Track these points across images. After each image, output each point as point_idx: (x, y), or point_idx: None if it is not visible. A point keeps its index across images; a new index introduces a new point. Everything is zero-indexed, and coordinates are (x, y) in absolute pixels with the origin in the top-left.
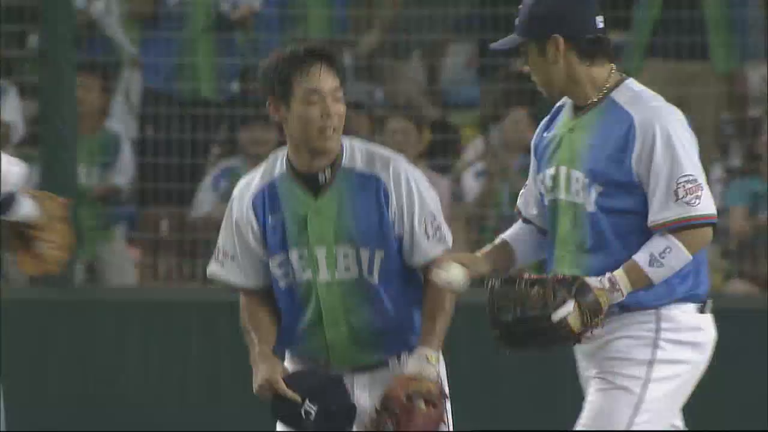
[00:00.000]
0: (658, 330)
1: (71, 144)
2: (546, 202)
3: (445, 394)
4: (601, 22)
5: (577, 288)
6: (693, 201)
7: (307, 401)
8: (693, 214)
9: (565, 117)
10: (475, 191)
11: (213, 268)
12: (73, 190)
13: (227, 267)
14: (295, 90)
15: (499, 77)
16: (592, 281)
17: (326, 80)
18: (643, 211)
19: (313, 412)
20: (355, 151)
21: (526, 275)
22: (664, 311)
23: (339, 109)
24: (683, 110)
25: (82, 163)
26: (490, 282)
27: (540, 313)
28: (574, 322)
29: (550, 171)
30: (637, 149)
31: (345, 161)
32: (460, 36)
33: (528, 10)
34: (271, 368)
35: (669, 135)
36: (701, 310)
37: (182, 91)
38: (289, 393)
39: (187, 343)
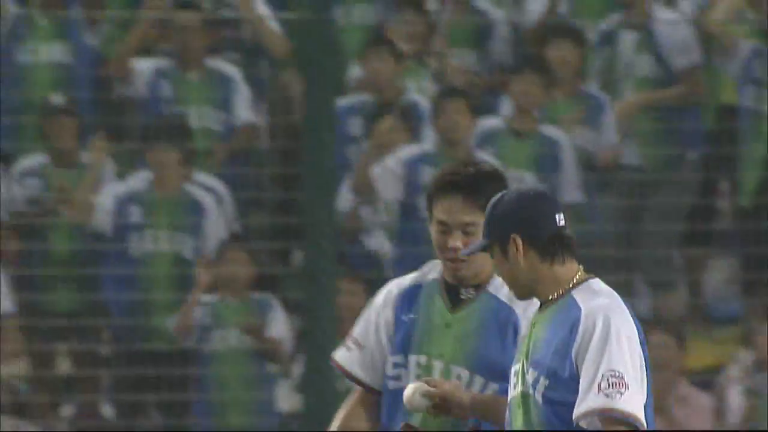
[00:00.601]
0: None
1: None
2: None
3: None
4: (561, 219)
5: None
6: (614, 395)
7: None
8: (614, 406)
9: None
10: (740, 408)
11: (339, 355)
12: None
13: (353, 356)
14: (434, 213)
15: (762, 292)
16: None
17: (460, 215)
18: None
19: None
20: (503, 283)
21: None
22: None
23: (470, 242)
24: None
25: None
26: None
27: None
28: None
29: (516, 367)
30: (577, 342)
31: (491, 287)
32: (721, 251)
33: (490, 212)
34: None
35: (608, 330)
36: None
37: None
38: None
39: None
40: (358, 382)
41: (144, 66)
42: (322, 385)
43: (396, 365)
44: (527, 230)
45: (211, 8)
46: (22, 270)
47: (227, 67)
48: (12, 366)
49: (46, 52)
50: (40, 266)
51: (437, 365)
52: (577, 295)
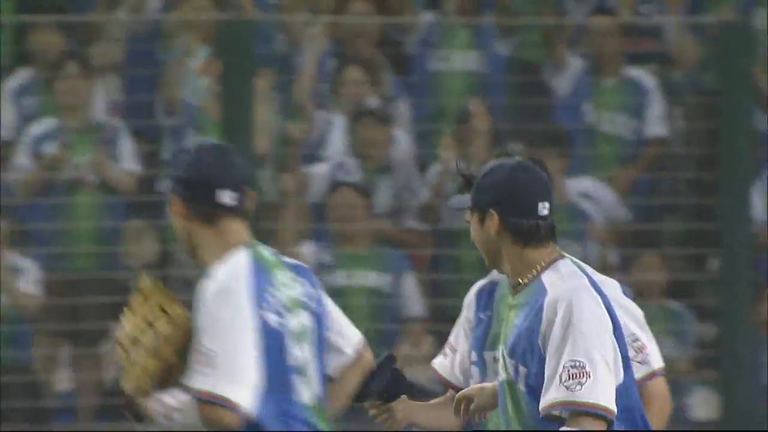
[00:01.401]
0: None
1: (749, 367)
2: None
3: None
4: (545, 208)
5: None
6: (574, 387)
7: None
8: (574, 399)
9: (507, 294)
10: None
11: (436, 361)
12: None
13: (447, 362)
14: None
15: None
16: None
17: None
18: None
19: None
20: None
21: None
22: None
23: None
24: None
25: None
26: None
27: None
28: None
29: (498, 350)
30: (541, 331)
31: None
32: None
33: (481, 177)
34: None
35: (570, 317)
36: None
37: None
38: None
39: None
40: (452, 387)
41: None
42: (740, 391)
43: (474, 363)
44: (507, 210)
45: (628, 14)
46: (434, 275)
47: (643, 76)
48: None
49: (461, 60)
50: (450, 272)
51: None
52: (546, 278)
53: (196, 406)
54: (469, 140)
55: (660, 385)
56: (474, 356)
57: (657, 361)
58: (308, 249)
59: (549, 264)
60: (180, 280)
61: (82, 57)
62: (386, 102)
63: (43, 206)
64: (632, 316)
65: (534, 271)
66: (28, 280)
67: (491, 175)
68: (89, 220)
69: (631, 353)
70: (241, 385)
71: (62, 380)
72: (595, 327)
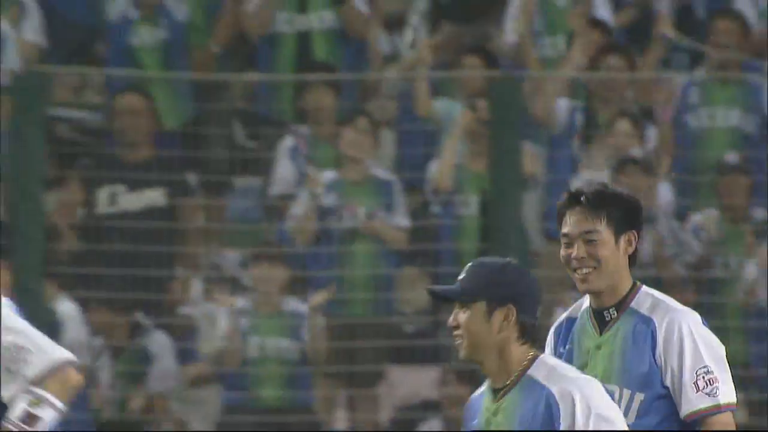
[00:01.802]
0: None
1: None
2: None
3: None
4: (538, 312)
5: None
6: None
7: None
8: None
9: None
10: None
11: None
12: None
13: None
14: (561, 230)
15: None
16: None
17: (576, 225)
18: None
19: None
20: (646, 297)
21: None
22: None
23: (591, 251)
24: None
25: None
26: None
27: None
28: None
29: None
30: (563, 420)
31: (633, 303)
32: None
33: (489, 272)
34: None
35: (588, 410)
36: None
37: None
38: None
39: None
40: None
41: None
42: None
43: None
44: (524, 308)
45: None
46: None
47: None
48: None
49: (723, 117)
50: (716, 319)
51: None
52: (536, 374)
53: None
54: (728, 192)
55: (722, 421)
56: None
57: (725, 396)
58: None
59: (531, 361)
60: None
61: (361, 113)
62: (649, 153)
63: (322, 254)
64: (709, 347)
65: (516, 371)
66: (307, 325)
67: (507, 271)
68: (365, 267)
69: (701, 384)
70: None
71: (340, 420)
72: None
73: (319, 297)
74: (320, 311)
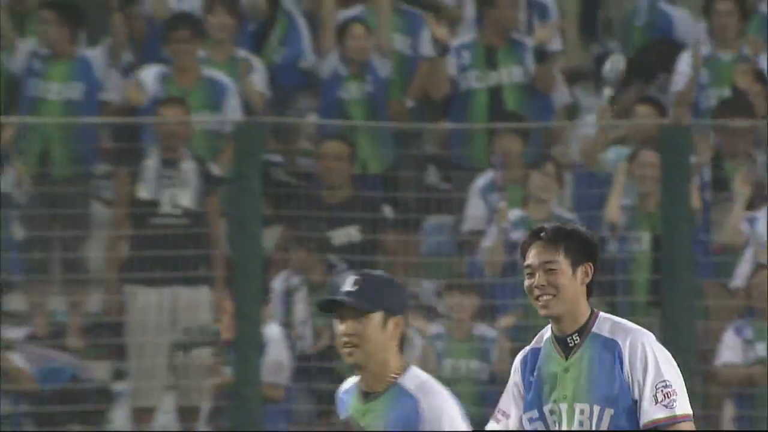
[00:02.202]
0: None
1: None
2: None
3: None
4: None
5: None
6: None
7: None
8: None
9: (354, 400)
10: None
11: (490, 426)
12: None
13: (501, 426)
14: (524, 263)
15: None
16: None
17: (537, 256)
18: None
19: None
20: (605, 322)
21: None
22: None
23: (551, 279)
24: None
25: None
26: None
27: None
28: None
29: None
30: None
31: (594, 328)
32: None
33: (383, 284)
34: None
35: (444, 419)
36: None
37: None
38: None
39: None
40: None
41: None
42: None
43: (532, 420)
44: (406, 320)
45: None
46: None
47: None
48: None
49: None
50: None
51: (562, 406)
52: (409, 384)
53: None
54: None
55: (681, 429)
56: (533, 414)
57: (682, 408)
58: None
59: (403, 370)
60: None
61: (547, 158)
62: None
63: (508, 284)
64: (667, 363)
65: (390, 378)
66: (495, 348)
67: (393, 283)
68: None
69: (659, 396)
70: None
71: None
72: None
73: (505, 322)
74: (507, 335)
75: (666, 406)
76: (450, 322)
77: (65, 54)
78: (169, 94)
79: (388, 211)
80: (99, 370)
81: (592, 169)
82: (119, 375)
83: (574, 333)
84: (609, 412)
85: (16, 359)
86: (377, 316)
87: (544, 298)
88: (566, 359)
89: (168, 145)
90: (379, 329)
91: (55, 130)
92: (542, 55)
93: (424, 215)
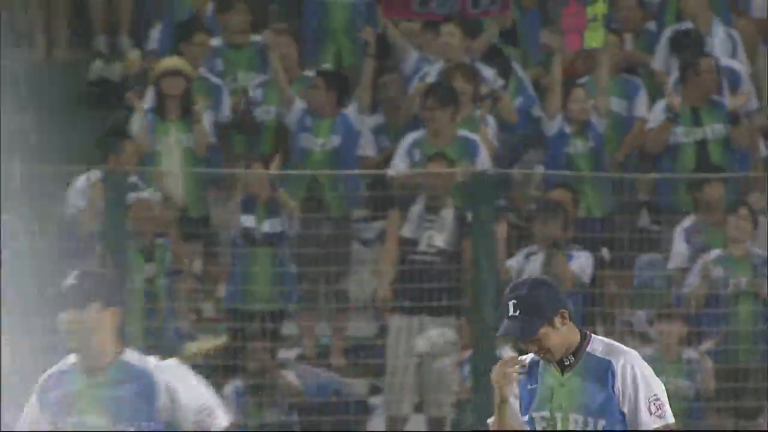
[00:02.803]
0: None
1: None
2: None
3: None
4: None
5: None
6: None
7: None
8: None
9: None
10: None
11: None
12: None
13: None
14: None
15: None
16: None
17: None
18: None
19: None
20: (599, 343)
21: None
22: None
23: (539, 346)
24: None
25: None
26: None
27: None
28: None
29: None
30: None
31: (589, 348)
32: None
33: (101, 278)
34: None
35: None
36: None
37: None
38: None
39: None
40: None
41: None
42: None
43: (527, 423)
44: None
45: None
46: None
47: None
48: None
49: None
50: None
51: (558, 415)
52: (132, 359)
53: None
54: None
55: None
56: (525, 418)
57: (671, 417)
58: None
59: (122, 352)
60: None
61: (743, 204)
62: None
63: (711, 313)
64: (654, 379)
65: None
66: (700, 369)
67: (105, 278)
68: (747, 324)
69: (653, 408)
70: None
71: None
72: None
73: (708, 346)
74: (710, 358)
75: (659, 417)
76: (660, 347)
77: (329, 115)
78: (426, 153)
79: (605, 252)
80: (358, 386)
81: None
82: (375, 390)
83: (569, 354)
84: (601, 422)
85: (289, 376)
86: (97, 305)
87: (542, 355)
88: (562, 375)
89: (431, 194)
90: (98, 317)
91: (327, 180)
92: (736, 117)
93: (638, 253)
